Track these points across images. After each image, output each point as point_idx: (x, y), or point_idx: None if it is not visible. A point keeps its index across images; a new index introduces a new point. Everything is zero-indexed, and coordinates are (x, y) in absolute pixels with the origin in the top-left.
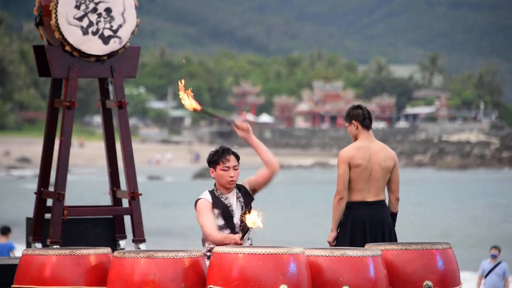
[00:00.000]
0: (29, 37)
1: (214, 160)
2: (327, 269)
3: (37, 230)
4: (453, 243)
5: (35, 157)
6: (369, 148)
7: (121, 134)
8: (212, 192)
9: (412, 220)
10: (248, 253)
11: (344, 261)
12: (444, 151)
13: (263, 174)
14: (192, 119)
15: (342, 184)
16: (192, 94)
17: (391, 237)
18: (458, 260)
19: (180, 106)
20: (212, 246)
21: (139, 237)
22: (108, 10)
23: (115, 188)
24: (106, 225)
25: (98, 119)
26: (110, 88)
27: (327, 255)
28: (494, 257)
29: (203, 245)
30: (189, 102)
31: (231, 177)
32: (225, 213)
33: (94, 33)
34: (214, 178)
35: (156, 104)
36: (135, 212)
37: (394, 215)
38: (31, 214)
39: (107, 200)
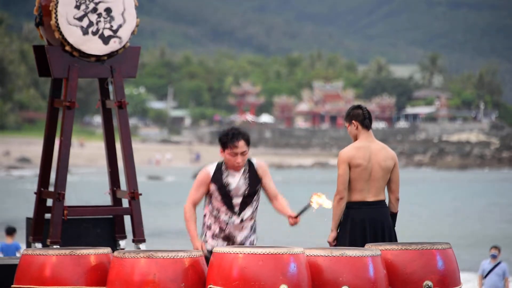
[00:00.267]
0: (29, 37)
1: (223, 142)
2: (326, 269)
3: (37, 230)
4: (453, 243)
5: (35, 157)
6: (369, 148)
7: (121, 134)
8: (219, 165)
9: (412, 220)
10: (248, 253)
11: (344, 261)
12: (444, 151)
13: (270, 198)
14: (192, 119)
15: (342, 184)
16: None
17: (391, 237)
18: (457, 260)
19: (180, 106)
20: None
21: (139, 237)
22: (108, 10)
23: (115, 188)
24: (106, 225)
25: (98, 119)
26: (110, 88)
27: (326, 255)
28: (494, 257)
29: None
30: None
31: (237, 162)
32: (221, 189)
33: (94, 33)
34: (222, 158)
35: (156, 104)
36: (135, 212)
37: (394, 215)
38: (31, 214)
39: (107, 200)
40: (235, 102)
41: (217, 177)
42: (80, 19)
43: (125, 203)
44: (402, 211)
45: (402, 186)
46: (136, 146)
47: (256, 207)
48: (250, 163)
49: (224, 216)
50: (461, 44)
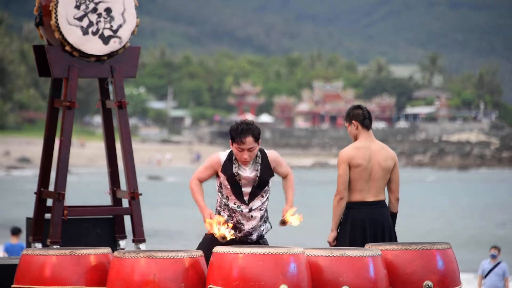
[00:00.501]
0: (29, 37)
1: (232, 136)
2: (327, 269)
3: (37, 230)
4: (453, 243)
5: (35, 157)
6: (369, 148)
7: (121, 134)
8: (230, 154)
9: (412, 220)
10: (248, 253)
11: (344, 261)
12: (444, 151)
13: (282, 175)
14: (192, 119)
15: (342, 184)
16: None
17: (391, 237)
18: (457, 260)
19: (180, 106)
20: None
21: (139, 237)
22: (108, 10)
23: (115, 188)
24: (106, 225)
25: (98, 119)
26: (110, 88)
27: (327, 255)
28: (493, 257)
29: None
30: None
31: (244, 158)
32: (231, 179)
33: (94, 33)
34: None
35: (156, 104)
36: (135, 212)
37: (394, 215)
38: (31, 214)
39: (107, 200)
40: (235, 102)
41: (227, 166)
42: (80, 19)
43: (125, 203)
44: (402, 211)
45: (402, 186)
46: (136, 146)
47: (267, 198)
48: (263, 154)
49: (232, 204)
50: (461, 44)
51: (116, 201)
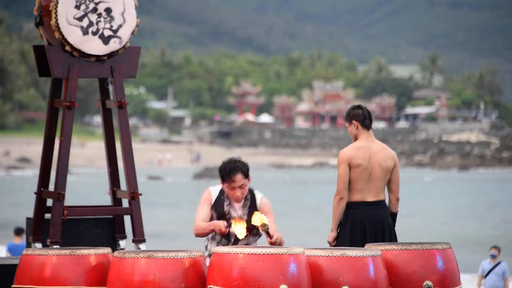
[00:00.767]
0: (29, 37)
1: (222, 175)
2: (327, 269)
3: (37, 230)
4: (453, 243)
5: (35, 157)
6: (369, 148)
7: (121, 134)
8: (222, 191)
9: (412, 220)
10: (248, 253)
11: (344, 261)
12: (444, 151)
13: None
14: (192, 119)
15: (342, 184)
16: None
17: (391, 237)
18: (457, 260)
19: (180, 106)
20: (211, 249)
21: (139, 237)
22: (108, 10)
23: (115, 188)
24: (106, 225)
25: (98, 119)
26: (110, 88)
27: (327, 255)
28: (493, 257)
29: (205, 248)
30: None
31: (236, 196)
32: (221, 218)
33: (94, 33)
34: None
35: (156, 104)
36: (135, 212)
37: (394, 215)
38: (31, 214)
39: (107, 200)
40: (235, 102)
41: (218, 203)
42: (80, 19)
43: (125, 203)
44: (402, 211)
45: (402, 186)
46: (136, 146)
47: (255, 241)
48: (253, 197)
49: (219, 240)
50: (461, 44)
51: (116, 201)
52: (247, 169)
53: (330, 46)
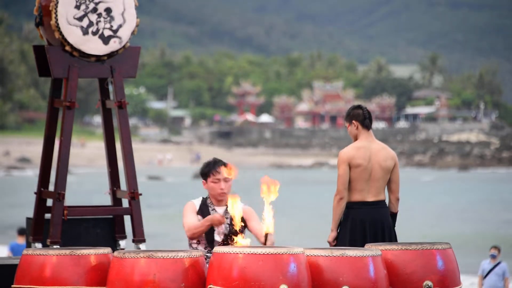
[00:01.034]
0: (29, 37)
1: (205, 172)
2: (327, 269)
3: (37, 230)
4: (453, 243)
5: (35, 157)
6: (369, 148)
7: (121, 134)
8: (203, 200)
9: (412, 220)
10: (248, 253)
11: (344, 261)
12: (444, 151)
13: (258, 239)
14: (192, 119)
15: (342, 184)
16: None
17: (391, 237)
18: (457, 261)
19: (180, 106)
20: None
21: (139, 237)
22: (108, 10)
23: (115, 188)
24: (106, 225)
25: (98, 119)
26: (110, 88)
27: (327, 255)
28: (493, 257)
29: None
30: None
31: (221, 189)
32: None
33: (94, 33)
34: (206, 190)
35: (156, 104)
36: (135, 212)
37: (394, 215)
38: (31, 214)
39: (107, 200)
40: (235, 102)
41: (204, 210)
42: (80, 19)
43: (125, 203)
44: (402, 211)
45: (402, 186)
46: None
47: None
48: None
49: (203, 249)
50: (461, 44)
51: (116, 201)
52: (231, 167)
53: (330, 46)
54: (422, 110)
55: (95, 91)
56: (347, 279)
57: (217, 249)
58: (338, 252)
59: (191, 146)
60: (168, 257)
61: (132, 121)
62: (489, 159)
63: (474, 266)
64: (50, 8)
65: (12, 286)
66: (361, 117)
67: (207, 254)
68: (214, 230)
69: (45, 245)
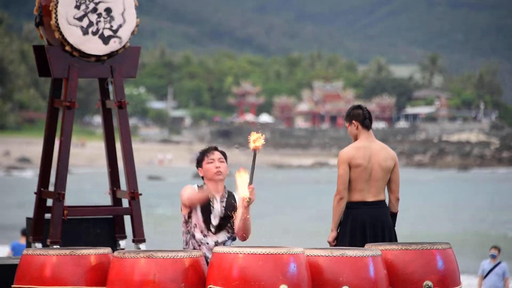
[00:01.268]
0: (29, 37)
1: (200, 158)
2: (327, 269)
3: (37, 230)
4: (453, 243)
5: (35, 157)
6: (369, 148)
7: (121, 134)
8: (200, 186)
9: (412, 220)
10: (248, 253)
11: (344, 261)
12: (444, 151)
13: (237, 230)
14: (192, 119)
15: (342, 184)
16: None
17: (391, 237)
18: (457, 261)
19: (180, 106)
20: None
21: (139, 237)
22: (108, 10)
23: (115, 188)
24: (106, 225)
25: (98, 119)
26: (110, 88)
27: (327, 255)
28: (493, 257)
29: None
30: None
31: (216, 167)
32: (205, 206)
33: (94, 33)
34: (202, 177)
35: (156, 104)
36: (135, 212)
37: (394, 215)
38: (31, 214)
39: (107, 200)
40: (235, 102)
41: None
42: (80, 19)
43: (125, 203)
44: (402, 211)
45: (402, 186)
46: (136, 146)
47: (232, 235)
48: (230, 194)
49: (199, 234)
50: (461, 44)
51: (116, 201)
52: (225, 153)
53: (330, 46)
54: (422, 110)
55: (95, 91)
56: (347, 279)
57: (217, 249)
58: (338, 252)
59: (191, 146)
60: (168, 257)
61: (132, 121)
62: (489, 159)
63: (474, 266)
64: (50, 8)
65: (12, 286)
66: (361, 117)
67: (203, 240)
68: (210, 213)
69: (45, 245)
